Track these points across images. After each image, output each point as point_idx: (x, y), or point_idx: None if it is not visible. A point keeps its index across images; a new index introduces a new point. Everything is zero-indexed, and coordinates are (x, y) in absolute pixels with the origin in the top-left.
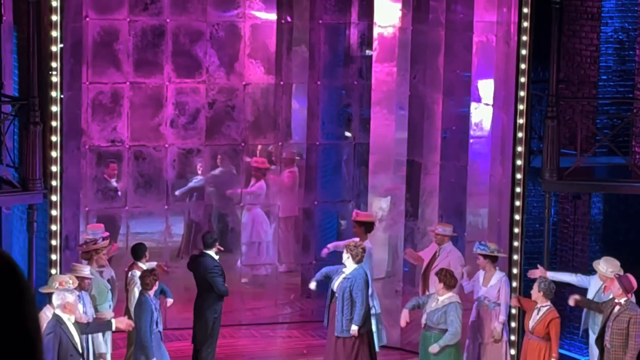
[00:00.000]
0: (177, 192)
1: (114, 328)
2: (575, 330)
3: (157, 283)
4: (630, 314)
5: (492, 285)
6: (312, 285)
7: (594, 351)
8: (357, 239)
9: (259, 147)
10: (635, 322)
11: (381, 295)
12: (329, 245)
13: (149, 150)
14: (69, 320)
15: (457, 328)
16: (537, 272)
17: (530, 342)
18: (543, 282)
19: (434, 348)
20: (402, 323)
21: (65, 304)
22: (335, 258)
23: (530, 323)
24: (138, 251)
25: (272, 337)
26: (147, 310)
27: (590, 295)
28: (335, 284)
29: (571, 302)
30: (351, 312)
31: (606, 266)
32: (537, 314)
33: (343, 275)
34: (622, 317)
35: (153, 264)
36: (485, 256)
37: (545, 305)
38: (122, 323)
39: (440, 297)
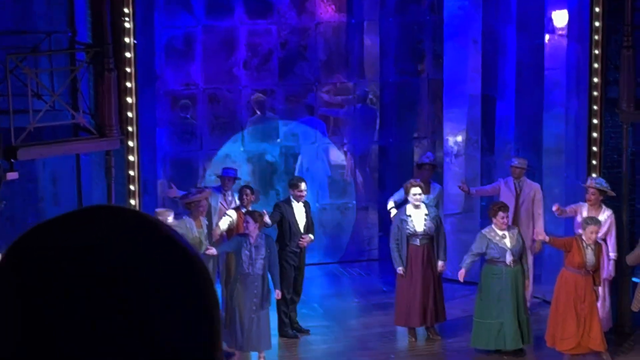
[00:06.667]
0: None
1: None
2: None
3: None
4: None
5: (602, 221)
6: None
7: None
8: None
9: (337, 84)
10: None
11: (458, 229)
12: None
13: (223, 93)
14: None
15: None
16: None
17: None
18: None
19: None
20: (461, 278)
21: None
22: None
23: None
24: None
25: (352, 274)
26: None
27: None
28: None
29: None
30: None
31: None
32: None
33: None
34: None
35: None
36: (600, 191)
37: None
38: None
39: (511, 231)
